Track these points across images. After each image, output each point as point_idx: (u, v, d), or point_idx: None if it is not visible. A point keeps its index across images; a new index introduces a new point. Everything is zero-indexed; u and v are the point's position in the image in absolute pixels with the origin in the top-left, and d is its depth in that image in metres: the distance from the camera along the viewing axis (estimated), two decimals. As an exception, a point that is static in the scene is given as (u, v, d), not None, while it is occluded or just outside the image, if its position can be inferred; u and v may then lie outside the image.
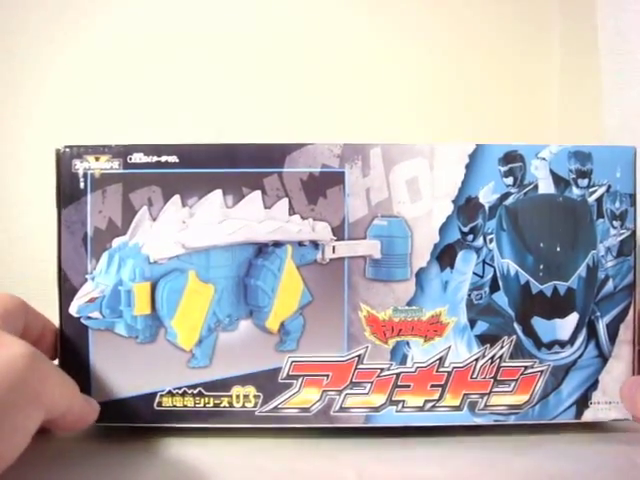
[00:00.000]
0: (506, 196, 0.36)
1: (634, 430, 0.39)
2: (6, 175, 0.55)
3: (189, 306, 0.36)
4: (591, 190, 0.36)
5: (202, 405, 0.36)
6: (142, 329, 0.36)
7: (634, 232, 0.37)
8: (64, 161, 0.36)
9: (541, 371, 0.37)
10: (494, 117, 0.57)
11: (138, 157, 0.36)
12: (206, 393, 0.36)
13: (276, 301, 0.36)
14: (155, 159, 0.36)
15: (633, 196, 0.37)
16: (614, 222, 0.37)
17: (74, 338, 0.36)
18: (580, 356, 0.37)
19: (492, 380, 0.37)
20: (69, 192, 0.36)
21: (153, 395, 0.36)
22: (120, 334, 0.36)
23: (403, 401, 0.37)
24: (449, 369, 0.37)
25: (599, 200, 0.37)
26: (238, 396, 0.36)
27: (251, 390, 0.36)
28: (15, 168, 0.55)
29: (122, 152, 0.36)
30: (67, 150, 0.36)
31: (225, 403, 0.37)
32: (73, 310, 0.36)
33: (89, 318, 0.36)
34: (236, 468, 0.36)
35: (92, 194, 0.36)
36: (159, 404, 0.36)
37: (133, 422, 0.37)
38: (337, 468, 0.36)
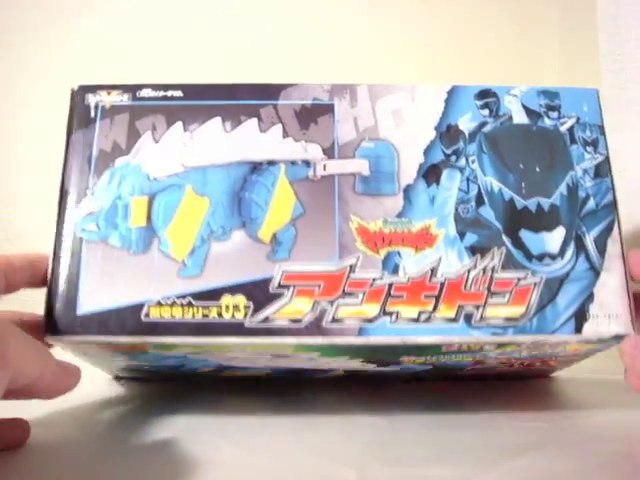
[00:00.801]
0: (484, 124, 0.39)
1: (634, 430, 0.39)
2: (5, 174, 0.57)
3: (184, 217, 0.37)
4: (562, 121, 0.39)
5: (191, 316, 0.35)
6: (136, 240, 0.37)
7: (607, 157, 0.39)
8: (78, 97, 0.39)
9: (535, 283, 0.36)
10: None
11: (146, 92, 0.39)
12: (195, 303, 0.36)
13: (269, 213, 0.37)
14: (162, 94, 0.39)
15: (602, 127, 0.40)
16: (587, 148, 0.39)
17: (66, 250, 0.36)
18: (572, 268, 0.37)
19: (486, 291, 0.36)
20: (79, 120, 0.39)
21: (141, 306, 0.36)
22: (113, 245, 0.37)
23: (397, 312, 0.36)
24: (442, 280, 0.36)
25: (570, 130, 0.39)
26: (228, 306, 0.36)
27: (241, 300, 0.36)
28: (13, 168, 0.57)
29: (132, 88, 0.39)
30: (81, 89, 0.40)
31: (214, 314, 0.36)
32: (70, 223, 0.37)
33: (84, 230, 0.37)
34: (234, 467, 0.35)
35: (101, 122, 0.39)
36: (147, 315, 0.35)
37: (119, 334, 0.35)
38: (337, 468, 0.36)
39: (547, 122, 0.39)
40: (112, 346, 0.36)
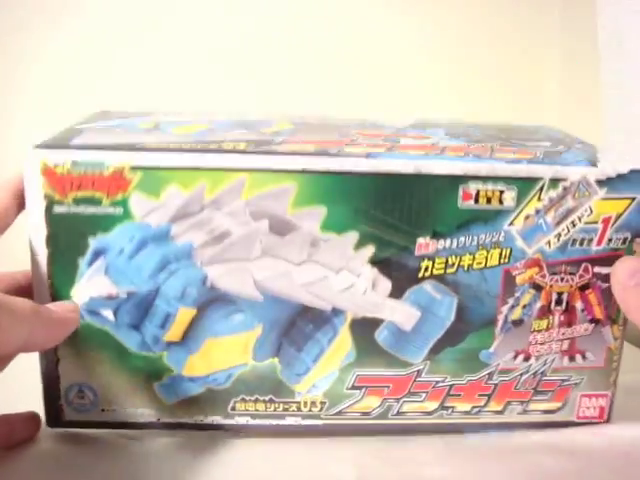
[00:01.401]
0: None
1: (633, 429, 0.39)
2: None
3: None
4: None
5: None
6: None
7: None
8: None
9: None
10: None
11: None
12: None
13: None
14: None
15: None
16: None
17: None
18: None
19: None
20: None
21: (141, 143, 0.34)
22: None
23: (405, 152, 0.35)
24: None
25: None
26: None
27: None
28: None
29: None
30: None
31: (214, 146, 0.34)
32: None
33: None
34: (233, 468, 0.35)
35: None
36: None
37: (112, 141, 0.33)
38: (337, 468, 0.36)
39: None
40: (94, 181, 0.33)
